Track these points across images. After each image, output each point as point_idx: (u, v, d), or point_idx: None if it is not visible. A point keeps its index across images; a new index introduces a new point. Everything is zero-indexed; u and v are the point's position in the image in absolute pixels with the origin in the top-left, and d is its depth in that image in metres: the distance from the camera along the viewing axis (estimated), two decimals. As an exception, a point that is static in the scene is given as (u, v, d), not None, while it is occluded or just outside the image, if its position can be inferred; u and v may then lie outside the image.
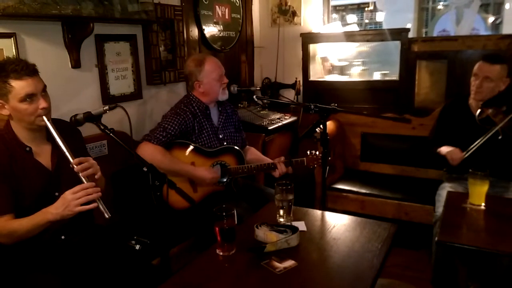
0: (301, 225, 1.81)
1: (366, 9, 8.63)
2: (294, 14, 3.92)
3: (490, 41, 3.21)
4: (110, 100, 2.55)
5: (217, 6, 3.42)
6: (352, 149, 3.66)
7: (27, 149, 1.71)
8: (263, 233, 1.69)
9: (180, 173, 2.36)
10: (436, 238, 1.76)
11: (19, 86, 1.59)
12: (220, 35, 3.48)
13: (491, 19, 6.89)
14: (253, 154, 2.72)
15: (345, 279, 1.47)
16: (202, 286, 1.45)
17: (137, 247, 1.73)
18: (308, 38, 3.86)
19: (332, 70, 4.11)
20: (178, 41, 3.04)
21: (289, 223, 1.81)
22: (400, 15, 8.12)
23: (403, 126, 3.34)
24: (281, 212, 1.86)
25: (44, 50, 2.19)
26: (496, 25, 6.72)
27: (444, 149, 2.58)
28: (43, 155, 1.76)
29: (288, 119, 3.53)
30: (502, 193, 2.45)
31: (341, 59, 4.09)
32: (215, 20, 3.41)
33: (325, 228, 1.85)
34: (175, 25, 3.01)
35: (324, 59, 4.06)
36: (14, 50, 2.03)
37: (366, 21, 8.80)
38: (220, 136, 2.56)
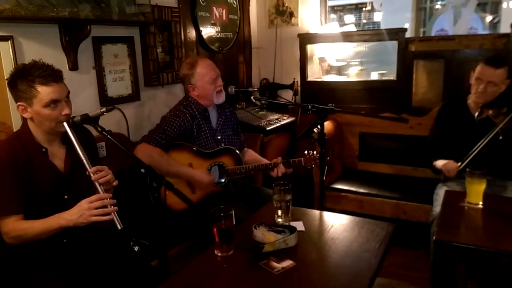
0: (299, 225, 1.81)
1: (364, 9, 8.65)
2: (291, 14, 3.92)
3: (487, 40, 3.22)
4: (108, 102, 2.55)
5: (214, 8, 3.42)
6: (350, 149, 3.67)
7: (43, 150, 1.72)
8: (261, 234, 1.69)
9: (178, 175, 2.36)
10: (434, 237, 1.76)
11: (44, 91, 1.61)
12: (218, 36, 3.49)
13: (488, 18, 6.91)
14: (251, 156, 2.72)
15: (343, 279, 1.47)
16: (201, 286, 1.45)
17: (136, 248, 1.73)
18: (306, 39, 3.87)
19: (329, 70, 4.12)
20: (175, 43, 3.04)
21: (287, 223, 1.81)
22: (398, 15, 8.15)
23: (401, 125, 3.35)
24: (279, 212, 1.87)
25: (42, 53, 2.18)
26: (494, 24, 6.75)
27: (440, 163, 2.58)
28: (58, 157, 1.77)
29: (286, 120, 3.54)
30: (499, 192, 2.45)
31: (338, 59, 4.10)
32: (212, 21, 3.41)
33: (323, 228, 1.86)
34: (173, 27, 3.01)
35: (321, 60, 4.07)
36: (11, 53, 2.03)
37: (364, 21, 8.82)
38: (218, 138, 2.56)
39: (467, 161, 2.43)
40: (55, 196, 1.73)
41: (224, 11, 3.55)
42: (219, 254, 1.61)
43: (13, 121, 2.05)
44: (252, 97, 2.77)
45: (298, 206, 2.03)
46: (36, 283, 1.62)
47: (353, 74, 3.97)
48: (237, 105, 3.59)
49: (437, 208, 2.42)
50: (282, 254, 1.59)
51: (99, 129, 1.72)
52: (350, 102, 3.67)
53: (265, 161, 2.60)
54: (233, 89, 2.70)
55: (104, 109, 1.74)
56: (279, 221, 1.86)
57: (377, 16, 8.15)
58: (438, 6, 8.09)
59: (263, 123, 3.31)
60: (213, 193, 2.47)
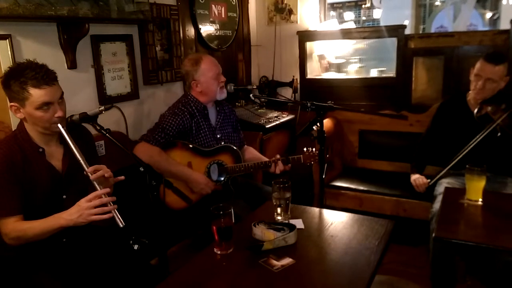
0: (298, 223, 1.81)
1: (363, 6, 8.63)
2: (290, 12, 3.91)
3: (487, 36, 3.21)
4: (106, 100, 2.55)
5: (213, 5, 3.42)
6: (350, 146, 3.67)
7: (40, 150, 1.71)
8: (261, 231, 1.69)
9: (177, 174, 2.35)
10: (434, 234, 1.76)
11: (36, 94, 1.59)
12: (217, 34, 3.48)
13: (488, 14, 6.89)
14: (251, 153, 2.72)
15: (343, 276, 1.48)
16: (200, 285, 1.45)
17: (136, 247, 1.73)
18: (305, 36, 3.86)
19: (329, 67, 4.12)
20: (174, 41, 3.04)
21: (286, 221, 1.81)
22: (398, 12, 8.13)
23: (401, 122, 3.35)
24: (279, 210, 1.86)
25: (40, 51, 2.19)
26: (494, 21, 6.72)
27: (412, 177, 2.76)
28: (55, 158, 1.76)
29: (285, 117, 3.54)
30: (499, 188, 2.45)
31: (338, 56, 4.09)
32: (211, 19, 3.41)
33: (322, 226, 1.86)
34: (171, 25, 3.01)
35: (321, 57, 4.07)
36: (9, 52, 2.03)
37: (363, 18, 8.80)
38: (218, 136, 2.56)
39: (436, 177, 2.57)
40: (53, 196, 1.73)
41: (223, 9, 3.54)
42: (219, 252, 1.61)
43: (12, 121, 2.05)
44: (251, 95, 2.77)
45: (297, 204, 2.03)
46: (36, 282, 1.63)
47: (352, 71, 3.97)
48: (237, 103, 3.58)
49: (436, 204, 2.43)
50: (282, 252, 1.59)
51: (98, 127, 1.72)
52: (350, 100, 3.67)
53: (266, 159, 2.60)
54: (232, 87, 2.69)
55: (102, 108, 1.73)
56: (278, 219, 1.86)
57: (377, 13, 8.13)
58: (437, 3, 8.07)
59: (262, 121, 3.31)
60: (212, 192, 2.47)
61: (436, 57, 3.39)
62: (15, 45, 2.07)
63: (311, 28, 3.90)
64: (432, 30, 7.09)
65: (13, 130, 1.92)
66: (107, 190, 1.62)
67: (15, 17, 1.92)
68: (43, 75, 1.60)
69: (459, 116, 2.63)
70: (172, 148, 2.42)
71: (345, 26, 4.14)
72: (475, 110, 2.49)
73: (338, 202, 3.20)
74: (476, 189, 1.99)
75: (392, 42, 3.51)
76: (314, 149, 2.45)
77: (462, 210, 1.97)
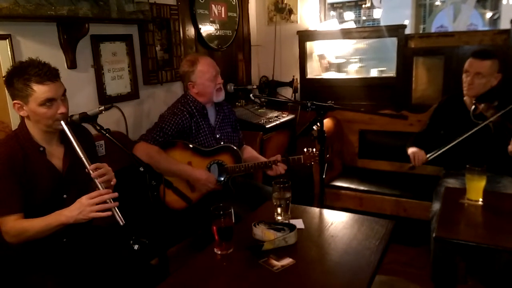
0: (298, 223, 1.81)
1: (363, 6, 8.63)
2: (290, 12, 3.91)
3: (487, 36, 3.21)
4: (106, 100, 2.55)
5: (213, 5, 3.41)
6: (350, 146, 3.67)
7: (41, 149, 1.72)
8: (261, 232, 1.69)
9: (177, 173, 2.36)
10: (434, 234, 1.76)
11: (40, 90, 1.60)
12: (217, 34, 3.48)
13: (488, 14, 6.89)
14: (249, 153, 2.72)
15: (343, 277, 1.47)
16: (200, 285, 1.45)
17: (136, 247, 1.73)
18: (305, 36, 3.86)
19: (329, 67, 4.12)
20: (174, 41, 3.04)
21: (286, 221, 1.81)
22: (398, 11, 8.13)
23: (401, 122, 3.35)
24: (279, 210, 1.86)
25: (40, 51, 2.18)
26: (494, 20, 6.72)
27: (410, 149, 2.68)
28: (56, 157, 1.77)
29: (285, 117, 3.53)
30: (499, 188, 2.45)
31: (338, 56, 4.09)
32: (211, 19, 3.41)
33: (323, 226, 1.86)
34: (171, 25, 3.00)
35: (321, 57, 4.06)
36: (9, 52, 2.03)
37: (364, 18, 8.80)
38: (217, 136, 2.56)
39: (436, 154, 2.51)
40: (54, 196, 1.73)
41: (223, 9, 3.54)
42: (219, 253, 1.61)
43: (12, 120, 2.05)
44: (251, 95, 2.76)
45: (297, 204, 2.02)
46: (36, 282, 1.62)
47: (352, 71, 3.96)
48: (237, 103, 3.58)
49: (436, 204, 2.43)
50: (282, 252, 1.58)
51: (98, 127, 1.72)
52: (350, 99, 3.66)
53: (263, 159, 2.60)
54: (232, 87, 2.70)
55: (102, 108, 1.73)
56: (278, 219, 1.86)
57: (377, 13, 8.13)
58: (438, 3, 8.07)
59: (262, 120, 3.31)
60: (212, 192, 2.47)
61: (436, 57, 3.38)
62: (15, 45, 2.07)
63: (311, 28, 3.90)
64: (432, 30, 7.09)
65: (13, 130, 1.92)
66: (110, 190, 1.62)
67: (15, 17, 1.92)
68: (46, 71, 1.61)
69: (456, 115, 2.64)
70: (172, 148, 2.42)
71: (345, 26, 4.14)
72: (471, 109, 2.50)
73: (338, 202, 3.20)
74: (476, 189, 1.98)
75: (392, 42, 3.51)
76: (314, 149, 2.45)
77: (463, 210, 1.97)
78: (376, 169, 3.55)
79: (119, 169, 2.51)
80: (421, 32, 7.63)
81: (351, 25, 4.36)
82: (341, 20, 7.18)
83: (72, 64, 2.36)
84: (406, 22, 6.73)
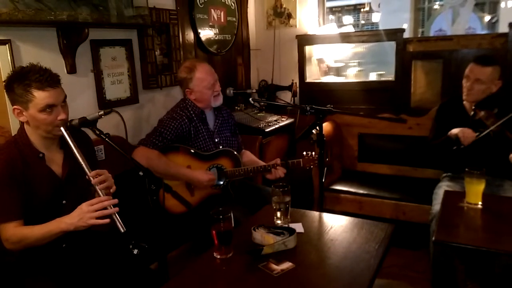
0: (298, 227, 1.81)
1: (362, 10, 8.67)
2: (289, 16, 3.92)
3: (485, 40, 3.22)
4: (106, 105, 2.55)
5: (212, 10, 3.43)
6: (349, 150, 3.67)
7: (40, 155, 1.71)
8: (260, 236, 1.69)
9: (177, 176, 2.36)
10: (434, 238, 1.76)
11: (40, 96, 1.60)
12: (216, 38, 3.49)
13: (487, 18, 6.92)
14: (248, 157, 2.72)
15: (343, 280, 1.47)
16: (200, 289, 1.45)
17: (135, 251, 1.73)
18: (304, 40, 3.87)
19: (328, 71, 4.12)
20: (173, 45, 3.04)
21: (286, 225, 1.81)
22: (396, 15, 8.17)
23: (400, 126, 3.36)
24: (278, 214, 1.86)
25: (40, 57, 2.19)
26: (492, 24, 6.75)
27: (454, 130, 2.50)
28: (55, 163, 1.76)
29: (285, 121, 3.54)
30: (498, 191, 2.46)
31: (337, 60, 4.10)
32: (210, 24, 3.42)
33: (322, 230, 1.86)
34: (171, 29, 3.01)
35: (320, 61, 4.07)
36: (9, 57, 2.03)
37: (362, 22, 8.84)
38: (216, 140, 2.56)
39: (484, 133, 2.37)
40: (53, 202, 1.73)
41: (222, 13, 3.55)
42: (218, 257, 1.61)
43: (12, 125, 2.05)
44: (250, 99, 2.77)
45: (297, 208, 2.03)
46: (36, 288, 1.62)
47: (351, 75, 3.97)
48: (236, 107, 3.59)
49: (436, 206, 2.42)
50: (281, 256, 1.59)
51: (97, 132, 1.72)
52: (349, 103, 3.67)
53: (262, 163, 2.60)
54: (232, 91, 2.71)
55: (102, 112, 1.73)
56: (278, 223, 1.86)
57: (375, 17, 8.17)
58: (436, 6, 8.10)
59: (262, 124, 3.31)
60: (212, 196, 2.47)
61: (434, 60, 3.39)
62: (15, 50, 2.07)
63: (310, 32, 3.91)
64: (431, 34, 7.11)
65: (12, 135, 1.92)
66: (110, 197, 1.62)
67: (15, 22, 1.92)
68: (47, 77, 1.61)
69: (456, 119, 2.63)
70: (171, 152, 2.42)
71: (344, 30, 4.15)
72: (471, 115, 2.49)
73: (338, 206, 3.20)
74: (475, 193, 1.99)
75: (391, 46, 3.52)
76: (313, 153, 2.45)
77: (462, 214, 1.97)
78: (375, 172, 3.55)
79: (119, 174, 2.52)
80: (419, 35, 7.66)
81: (350, 29, 4.37)
82: (340, 24, 7.22)
83: (71, 69, 2.36)
84: (405, 26, 6.75)
